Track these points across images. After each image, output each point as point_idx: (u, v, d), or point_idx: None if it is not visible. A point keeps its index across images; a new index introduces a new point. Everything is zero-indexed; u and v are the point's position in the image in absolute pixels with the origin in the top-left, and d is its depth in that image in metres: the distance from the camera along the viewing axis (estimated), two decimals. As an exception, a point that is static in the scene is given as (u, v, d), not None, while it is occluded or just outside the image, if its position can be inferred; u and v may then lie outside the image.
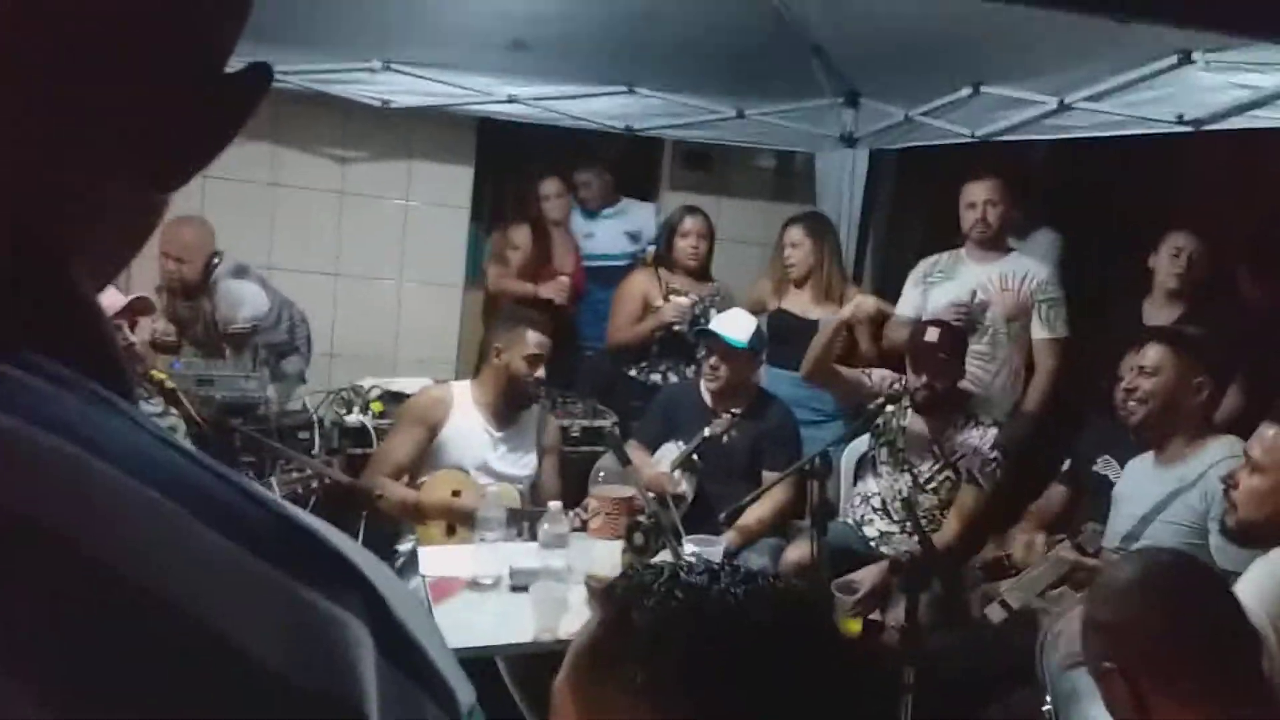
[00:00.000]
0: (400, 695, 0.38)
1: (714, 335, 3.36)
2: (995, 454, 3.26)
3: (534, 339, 3.12)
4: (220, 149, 0.46)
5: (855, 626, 2.95)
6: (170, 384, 2.74)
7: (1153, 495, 2.73)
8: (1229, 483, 2.20)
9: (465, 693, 0.42)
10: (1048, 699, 2.18)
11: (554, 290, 4.09)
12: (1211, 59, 2.81)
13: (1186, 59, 2.86)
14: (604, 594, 0.86)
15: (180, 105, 0.43)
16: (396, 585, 0.40)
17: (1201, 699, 1.26)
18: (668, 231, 4.10)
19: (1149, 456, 2.87)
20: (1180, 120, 2.94)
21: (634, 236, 4.72)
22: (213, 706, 0.33)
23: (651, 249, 4.49)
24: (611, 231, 4.71)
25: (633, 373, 4.05)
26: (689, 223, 4.07)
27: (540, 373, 3.12)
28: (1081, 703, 2.03)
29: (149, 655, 0.33)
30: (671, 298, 3.96)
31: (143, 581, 0.33)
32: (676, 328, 3.93)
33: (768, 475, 3.29)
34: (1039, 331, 3.66)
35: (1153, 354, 2.82)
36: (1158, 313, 3.56)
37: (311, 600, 0.36)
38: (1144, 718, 1.26)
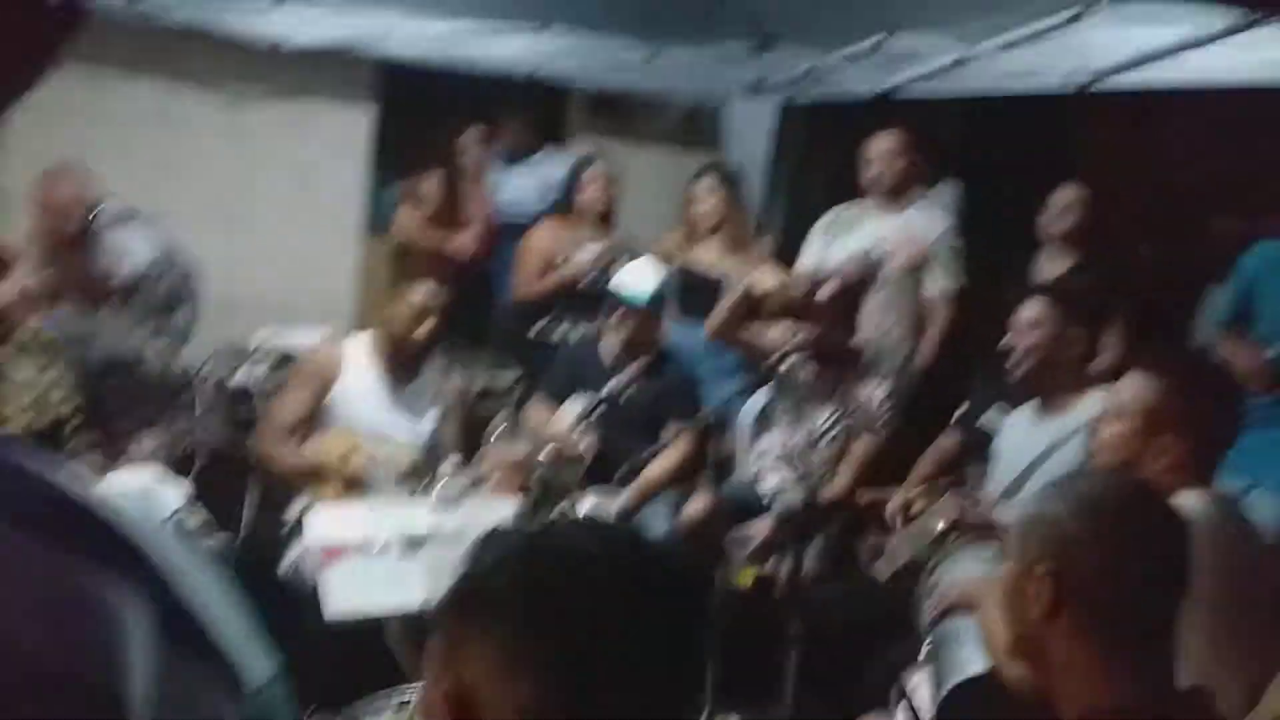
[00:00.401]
0: (177, 673, 0.38)
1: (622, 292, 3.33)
2: (888, 405, 3.32)
3: (420, 294, 3.05)
4: (35, 81, 0.45)
5: (749, 577, 3.01)
6: (46, 336, 2.61)
7: (1031, 448, 2.77)
8: (1092, 431, 2.28)
9: (261, 668, 0.43)
10: (926, 644, 2.25)
11: (465, 242, 3.98)
12: (1110, 13, 2.83)
13: (1084, 11, 2.88)
14: (468, 550, 0.87)
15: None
16: (188, 569, 0.41)
17: (1125, 625, 1.24)
18: (572, 180, 4.02)
19: (1029, 410, 2.93)
20: (1080, 73, 2.97)
21: (549, 189, 4.62)
22: None
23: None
24: (526, 182, 4.60)
25: (540, 327, 3.99)
26: (592, 170, 4.00)
27: (427, 328, 3.05)
28: (954, 646, 2.11)
29: None
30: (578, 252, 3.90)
31: None
32: (585, 280, 3.86)
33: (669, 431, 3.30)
34: (935, 283, 3.72)
35: (1032, 309, 2.85)
36: (1049, 266, 3.65)
37: (78, 583, 0.36)
38: (1044, 631, 1.24)
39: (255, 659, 0.43)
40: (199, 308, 3.92)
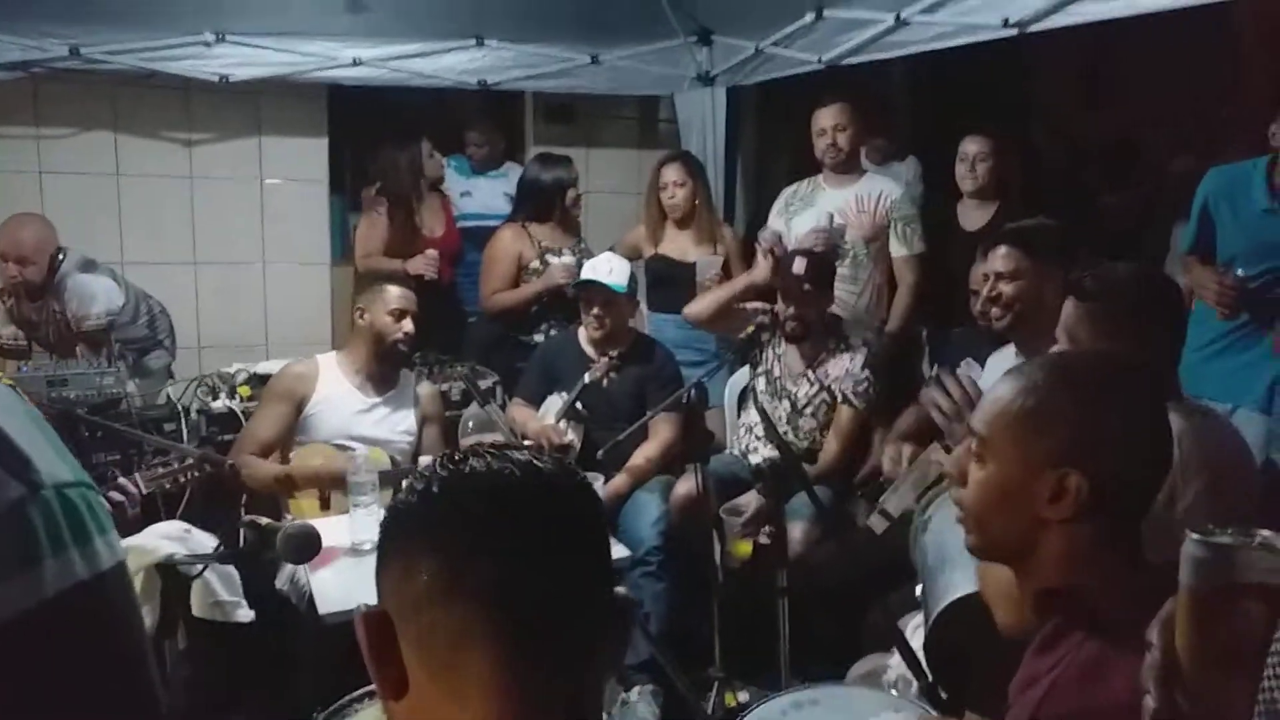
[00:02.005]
0: None
1: (596, 285, 3.35)
2: (866, 374, 3.35)
3: (396, 293, 3.07)
4: None
5: (745, 549, 3.01)
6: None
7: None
8: None
9: (55, 470, 0.44)
10: (919, 586, 2.26)
11: (422, 266, 3.97)
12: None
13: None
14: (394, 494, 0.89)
15: None
16: None
17: (1134, 513, 1.21)
18: (549, 186, 3.97)
19: (1008, 351, 2.94)
20: (1006, 24, 3.02)
21: (509, 197, 4.65)
22: None
23: None
24: (490, 191, 4.62)
25: (515, 335, 3.99)
26: (573, 172, 4.01)
27: (407, 326, 3.06)
28: (945, 570, 2.11)
29: None
30: (550, 258, 3.90)
31: None
32: (566, 286, 3.87)
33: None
34: (897, 249, 3.75)
35: (1006, 260, 2.82)
36: (970, 217, 3.72)
37: None
38: (1044, 528, 1.20)
39: (54, 463, 0.44)
40: (174, 348, 3.93)
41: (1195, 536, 0.83)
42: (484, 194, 4.59)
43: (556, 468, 0.84)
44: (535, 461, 0.83)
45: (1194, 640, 0.85)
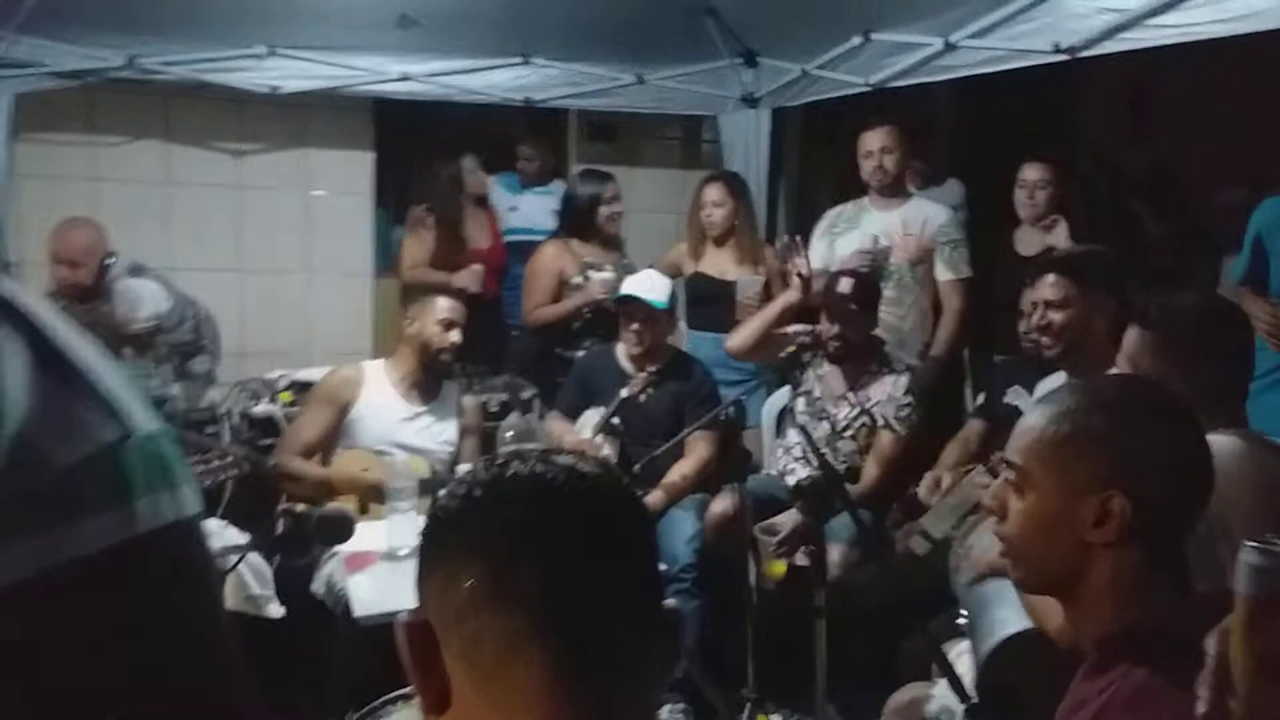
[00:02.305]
0: (52, 396, 0.42)
1: (637, 300, 3.34)
2: (909, 399, 3.31)
3: (445, 304, 3.11)
4: None
5: (780, 569, 2.98)
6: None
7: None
8: None
9: (144, 420, 0.46)
10: (962, 613, 2.23)
11: (468, 280, 4.02)
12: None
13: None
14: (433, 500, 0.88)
15: None
16: (65, 328, 0.46)
17: (1178, 539, 1.20)
18: (586, 201, 4.00)
19: (1059, 379, 2.89)
20: (1057, 49, 3.00)
21: (556, 214, 4.67)
22: None
23: None
24: (536, 206, 4.65)
25: (557, 350, 4.00)
26: (611, 189, 4.01)
27: (454, 337, 3.08)
28: (991, 607, 2.08)
29: None
30: (591, 274, 3.92)
31: None
32: (602, 301, 3.88)
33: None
34: (943, 274, 3.72)
35: (1055, 285, 2.79)
36: (1027, 242, 3.67)
37: None
38: (1090, 554, 1.19)
39: (139, 411, 0.46)
40: (219, 354, 3.98)
41: (1252, 544, 0.83)
42: (530, 209, 4.62)
43: (600, 472, 0.82)
44: (578, 466, 0.81)
45: (1249, 648, 0.84)
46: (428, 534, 0.81)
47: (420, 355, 3.09)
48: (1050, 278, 2.80)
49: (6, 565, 0.40)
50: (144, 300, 3.63)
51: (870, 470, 3.33)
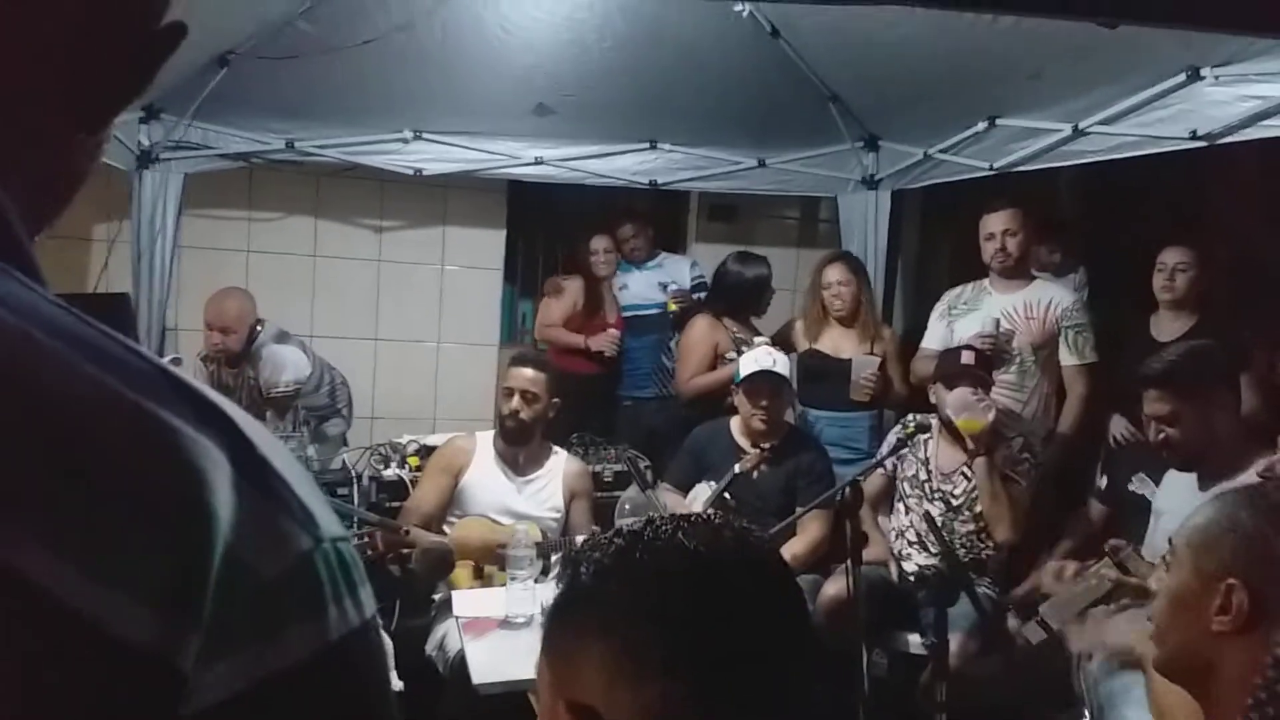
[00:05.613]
0: (256, 508, 0.43)
1: (769, 374, 3.38)
2: (1025, 455, 3.28)
3: (510, 372, 3.17)
4: (137, 94, 0.51)
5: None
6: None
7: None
8: (1266, 475, 2.18)
9: (331, 524, 0.46)
10: (1085, 713, 2.15)
11: (604, 342, 4.18)
12: (1220, 73, 2.83)
13: (1195, 75, 2.89)
14: (564, 567, 0.90)
15: (109, 46, 0.49)
16: (264, 434, 0.46)
17: None
18: (751, 284, 4.14)
19: (1190, 476, 2.78)
20: (1193, 136, 2.94)
21: (663, 286, 4.79)
22: (66, 487, 0.39)
23: (696, 295, 4.54)
24: (646, 282, 4.79)
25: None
26: (769, 272, 4.16)
27: (514, 404, 3.09)
28: (1119, 707, 2.01)
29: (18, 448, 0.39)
30: (743, 349, 3.99)
31: (24, 397, 0.39)
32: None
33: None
34: (1067, 358, 3.64)
35: (1159, 401, 2.65)
36: (1165, 328, 3.56)
37: (173, 425, 0.42)
38: (1218, 644, 1.23)
39: (329, 515, 0.46)
40: (351, 418, 4.19)
41: None
42: (639, 285, 4.74)
43: (757, 541, 0.83)
44: (742, 533, 0.82)
45: None
46: (574, 607, 0.81)
47: (502, 420, 3.17)
48: (1151, 393, 2.67)
49: (216, 682, 0.40)
50: (287, 366, 3.86)
51: (1003, 523, 3.23)
